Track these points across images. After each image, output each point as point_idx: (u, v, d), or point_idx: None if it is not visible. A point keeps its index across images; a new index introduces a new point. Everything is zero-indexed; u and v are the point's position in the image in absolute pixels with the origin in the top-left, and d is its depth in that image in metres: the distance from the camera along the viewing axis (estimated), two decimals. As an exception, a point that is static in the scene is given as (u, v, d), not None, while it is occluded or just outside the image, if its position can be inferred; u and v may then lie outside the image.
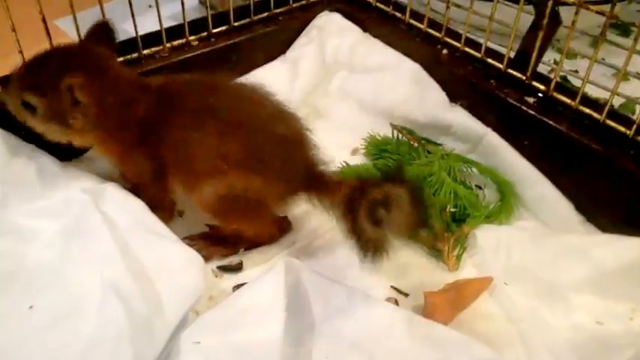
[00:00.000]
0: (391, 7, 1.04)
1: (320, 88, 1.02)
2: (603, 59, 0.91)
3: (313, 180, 0.70)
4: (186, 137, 0.68)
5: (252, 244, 0.77)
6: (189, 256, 0.66)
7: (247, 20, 0.99)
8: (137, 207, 0.72)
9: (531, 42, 0.85)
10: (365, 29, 1.05)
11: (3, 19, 0.74)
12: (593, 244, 0.72)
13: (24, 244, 0.68)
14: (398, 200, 0.62)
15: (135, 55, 0.88)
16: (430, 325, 0.63)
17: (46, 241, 0.68)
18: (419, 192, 0.64)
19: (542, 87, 0.86)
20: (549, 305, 0.69)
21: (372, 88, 0.98)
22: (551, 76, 0.85)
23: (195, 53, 0.93)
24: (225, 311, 0.62)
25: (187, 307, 0.62)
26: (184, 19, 0.91)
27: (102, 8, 0.81)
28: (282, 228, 0.78)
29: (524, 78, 0.87)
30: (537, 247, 0.74)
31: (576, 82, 0.97)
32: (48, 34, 0.77)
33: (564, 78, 1.02)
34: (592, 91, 0.92)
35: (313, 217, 0.79)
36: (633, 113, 0.93)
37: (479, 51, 0.93)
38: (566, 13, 0.82)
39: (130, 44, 0.87)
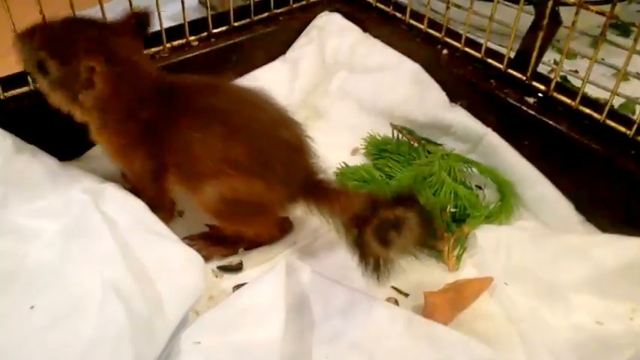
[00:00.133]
0: (391, 8, 1.05)
1: (320, 89, 1.02)
2: (603, 59, 0.91)
3: (312, 188, 0.70)
4: (192, 138, 0.68)
5: (253, 244, 0.77)
6: (190, 256, 0.66)
7: (247, 20, 0.99)
8: (137, 207, 0.72)
9: (531, 42, 0.85)
10: (365, 29, 1.05)
11: (3, 19, 0.74)
12: (593, 244, 0.72)
13: (24, 244, 0.68)
14: (410, 224, 0.62)
15: (135, 55, 0.88)
16: (430, 325, 0.63)
17: (46, 241, 0.68)
18: (430, 216, 0.65)
19: (542, 87, 0.86)
20: (549, 305, 0.69)
21: (372, 88, 0.98)
22: (552, 76, 0.85)
23: (195, 53, 0.93)
24: (226, 311, 0.62)
25: (187, 307, 0.62)
26: (184, 20, 0.91)
27: (102, 8, 0.81)
28: (283, 228, 0.78)
29: (524, 78, 0.87)
30: (537, 247, 0.74)
31: (576, 82, 0.97)
32: (48, 34, 0.77)
33: (564, 78, 1.02)
34: (592, 91, 0.92)
35: (314, 217, 0.78)
36: (633, 113, 0.93)
37: (479, 51, 0.93)
38: (566, 13, 0.82)
39: (130, 44, 0.87)
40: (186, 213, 0.81)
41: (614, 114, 0.80)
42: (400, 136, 0.92)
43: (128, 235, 0.67)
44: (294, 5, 1.06)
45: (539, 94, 0.86)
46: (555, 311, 0.69)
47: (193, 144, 0.68)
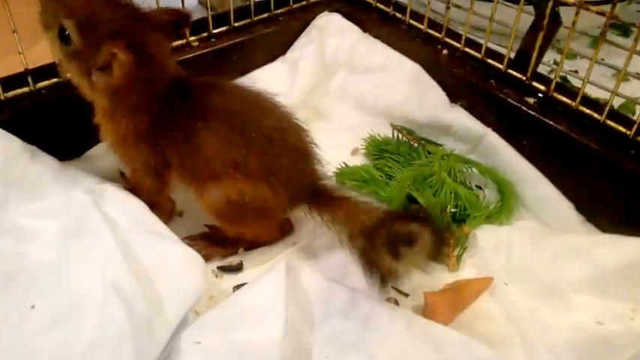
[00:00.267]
0: (391, 8, 1.05)
1: (320, 89, 1.02)
2: (603, 59, 0.91)
3: (316, 193, 0.71)
4: (202, 139, 0.67)
5: (253, 245, 0.77)
6: (190, 257, 0.67)
7: (247, 21, 1.00)
8: (137, 207, 0.72)
9: (531, 42, 0.85)
10: (365, 29, 1.05)
11: (3, 20, 0.74)
12: (593, 244, 0.72)
13: (24, 244, 0.68)
14: (422, 239, 0.62)
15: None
16: (430, 326, 0.63)
17: (46, 241, 0.68)
18: (442, 233, 0.66)
19: (542, 87, 0.86)
20: (549, 305, 0.69)
21: (372, 89, 0.98)
22: (552, 76, 0.85)
23: (196, 54, 0.93)
24: (226, 311, 0.62)
25: (188, 307, 0.62)
26: (184, 20, 0.92)
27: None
28: (283, 229, 0.79)
29: (524, 78, 0.87)
30: (537, 247, 0.74)
31: (576, 82, 0.97)
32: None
33: (564, 78, 1.02)
34: (592, 92, 0.92)
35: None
36: (633, 113, 0.93)
37: (479, 51, 0.93)
38: (566, 14, 0.82)
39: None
40: (186, 213, 0.81)
41: (614, 114, 0.80)
42: (400, 136, 0.92)
43: (128, 236, 0.67)
44: (294, 5, 1.06)
45: (539, 95, 0.86)
46: (555, 311, 0.69)
47: (203, 145, 0.68)
